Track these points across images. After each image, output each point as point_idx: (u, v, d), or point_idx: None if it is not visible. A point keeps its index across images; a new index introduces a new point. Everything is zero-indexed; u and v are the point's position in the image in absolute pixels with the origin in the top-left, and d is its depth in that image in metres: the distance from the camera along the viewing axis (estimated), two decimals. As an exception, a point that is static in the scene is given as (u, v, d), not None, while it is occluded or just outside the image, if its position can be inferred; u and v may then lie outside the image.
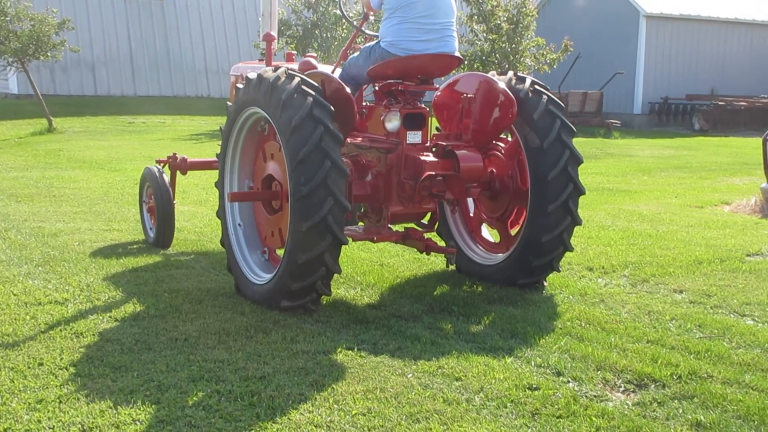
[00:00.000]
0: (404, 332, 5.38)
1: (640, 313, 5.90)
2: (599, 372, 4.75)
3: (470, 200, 7.00)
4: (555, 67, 22.54)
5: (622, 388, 4.56)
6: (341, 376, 4.58)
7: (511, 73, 6.46)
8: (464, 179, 6.09)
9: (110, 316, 5.63)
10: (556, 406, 4.24)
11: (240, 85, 6.05)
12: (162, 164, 8.18)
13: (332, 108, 5.53)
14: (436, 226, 6.79)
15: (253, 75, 5.88)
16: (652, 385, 4.58)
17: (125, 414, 4.07)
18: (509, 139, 6.54)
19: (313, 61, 6.77)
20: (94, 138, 20.10)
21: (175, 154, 8.24)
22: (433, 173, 6.02)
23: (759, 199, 10.85)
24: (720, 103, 28.65)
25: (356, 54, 6.61)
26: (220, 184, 6.39)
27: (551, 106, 6.20)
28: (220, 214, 6.38)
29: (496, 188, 6.49)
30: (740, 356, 4.99)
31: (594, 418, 4.10)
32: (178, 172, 8.24)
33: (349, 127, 6.01)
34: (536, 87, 6.30)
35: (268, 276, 5.90)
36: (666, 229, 9.05)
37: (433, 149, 6.26)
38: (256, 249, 6.30)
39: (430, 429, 3.95)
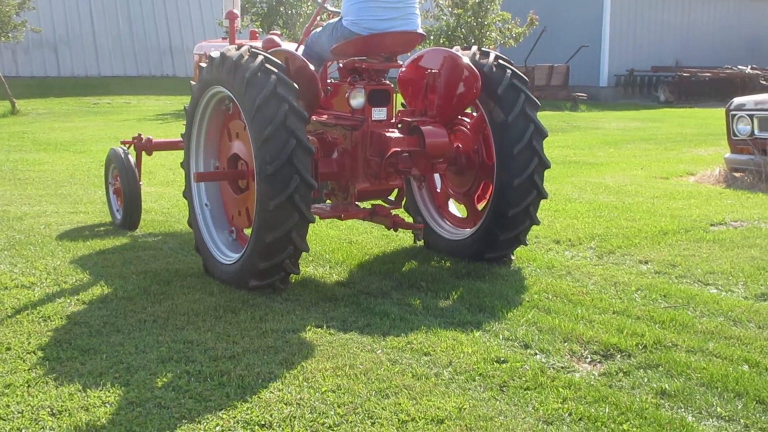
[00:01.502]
0: (373, 309, 5.40)
1: (606, 284, 5.97)
2: (566, 344, 4.80)
3: (437, 176, 7.02)
4: (521, 41, 22.62)
5: (588, 359, 4.61)
6: (310, 354, 4.60)
7: (475, 48, 6.45)
8: (430, 155, 6.09)
9: (78, 299, 5.60)
10: (523, 379, 4.29)
11: (203, 65, 6.00)
12: (127, 145, 8.11)
13: (296, 86, 5.50)
14: (403, 203, 6.80)
15: (216, 54, 5.82)
16: (618, 356, 4.64)
17: (94, 396, 4.06)
18: (474, 114, 6.54)
19: (277, 38, 6.70)
20: (58, 120, 19.89)
21: (140, 134, 8.15)
22: (399, 150, 6.02)
23: (723, 170, 10.99)
24: (685, 74, 28.90)
25: (319, 30, 6.58)
26: (186, 165, 6.34)
27: (515, 81, 6.20)
28: (187, 194, 6.35)
29: (462, 163, 6.51)
30: (704, 325, 5.07)
31: (561, 389, 4.15)
32: (143, 153, 8.16)
33: (314, 105, 6.00)
34: (500, 62, 6.30)
35: (236, 256, 5.89)
36: (632, 201, 9.14)
37: (399, 125, 6.26)
38: (223, 229, 6.28)
39: (400, 404, 3.98)
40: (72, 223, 8.05)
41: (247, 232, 6.01)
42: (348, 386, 4.18)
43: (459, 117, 6.49)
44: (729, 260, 6.58)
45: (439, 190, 7.09)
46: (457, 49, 6.42)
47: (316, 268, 6.40)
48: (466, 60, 6.20)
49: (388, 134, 6.08)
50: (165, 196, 9.59)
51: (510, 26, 22.16)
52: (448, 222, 7.01)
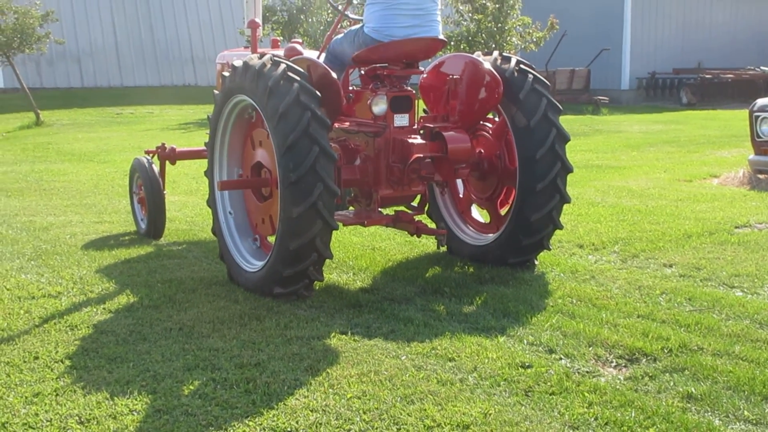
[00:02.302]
0: (397, 315, 5.41)
1: (631, 288, 5.95)
2: (591, 348, 4.79)
3: (459, 181, 7.04)
4: (542, 45, 22.55)
5: (613, 363, 4.60)
6: (335, 361, 4.61)
7: (496, 53, 6.45)
8: (452, 160, 6.10)
9: (104, 308, 5.65)
10: (548, 383, 4.28)
11: (226, 73, 6.03)
12: (151, 155, 8.16)
13: (319, 94, 5.52)
14: (426, 209, 6.82)
15: (239, 63, 5.85)
16: (644, 360, 4.62)
17: (122, 405, 4.10)
18: (497, 119, 6.55)
19: (299, 47, 6.76)
20: (82, 130, 20.05)
21: (163, 144, 8.21)
22: (422, 155, 6.03)
23: (747, 171, 10.91)
24: (707, 76, 28.71)
25: (340, 37, 6.59)
26: (209, 173, 6.38)
27: (537, 85, 6.20)
28: (211, 203, 6.38)
29: (485, 169, 6.52)
30: (730, 328, 5.04)
31: (586, 394, 4.15)
32: (167, 162, 8.21)
33: (336, 112, 6.00)
34: (521, 66, 6.30)
35: (260, 263, 5.91)
36: (655, 204, 9.10)
37: (421, 132, 6.27)
38: (247, 236, 6.31)
39: (425, 410, 3.99)
40: (97, 232, 8.12)
41: (271, 239, 6.03)
42: (373, 392, 4.19)
43: (481, 122, 6.50)
44: (754, 263, 6.54)
45: (461, 196, 7.10)
46: (478, 55, 6.42)
47: (339, 275, 6.42)
48: (487, 65, 6.19)
49: (410, 140, 6.09)
50: (188, 204, 9.65)
51: (530, 31, 22.10)
52: (471, 227, 7.01)
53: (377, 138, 6.19)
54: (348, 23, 7.29)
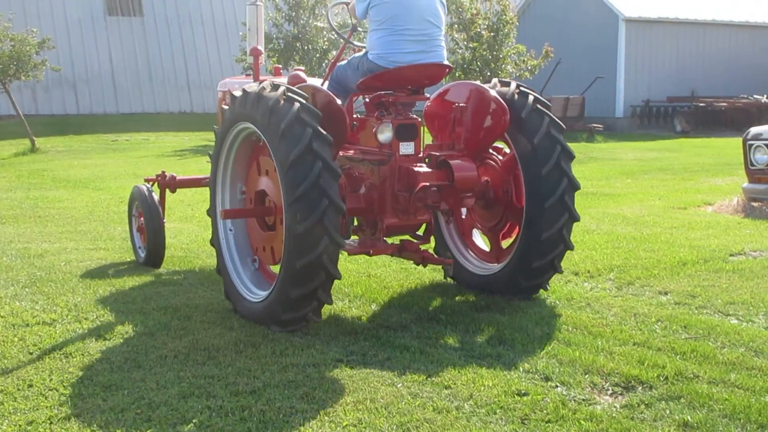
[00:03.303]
0: (393, 342, 5.41)
1: (626, 315, 5.95)
2: (587, 376, 4.79)
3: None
4: (536, 73, 22.71)
5: (609, 391, 4.60)
6: (331, 388, 4.60)
7: (495, 80, 6.42)
8: (459, 189, 6.02)
9: (99, 336, 5.63)
10: (545, 411, 4.28)
11: (225, 106, 6.01)
12: (151, 183, 8.07)
13: (320, 112, 5.48)
14: (431, 238, 6.73)
15: (238, 92, 5.84)
16: (639, 387, 4.62)
17: (117, 433, 4.08)
18: (507, 151, 6.45)
19: (302, 74, 6.71)
20: (77, 157, 20.08)
21: (163, 172, 8.13)
22: (428, 184, 5.95)
23: (741, 199, 10.95)
24: (700, 104, 28.89)
25: (344, 64, 6.58)
26: (212, 210, 6.30)
27: (538, 105, 6.16)
28: (211, 213, 6.30)
29: (490, 197, 6.43)
30: (725, 355, 5.04)
31: (583, 422, 4.14)
32: (167, 190, 8.14)
33: (342, 140, 5.95)
34: (521, 89, 6.27)
35: (265, 293, 5.82)
36: (650, 232, 9.12)
37: (426, 160, 6.22)
38: (246, 256, 6.24)
39: (421, 438, 3.98)
40: (92, 259, 8.11)
41: (274, 269, 5.99)
42: (369, 420, 4.18)
43: (489, 150, 6.44)
44: (749, 290, 6.55)
45: (463, 217, 6.96)
46: (478, 82, 6.41)
47: (335, 302, 6.40)
48: (493, 93, 6.14)
49: (416, 169, 6.02)
50: (184, 231, 9.65)
51: (525, 59, 22.27)
52: (475, 255, 6.87)
53: (382, 166, 6.13)
54: (352, 51, 7.30)
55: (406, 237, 6.57)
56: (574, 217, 6.17)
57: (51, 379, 4.82)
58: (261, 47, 7.47)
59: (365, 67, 6.25)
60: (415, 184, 5.95)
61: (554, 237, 6.08)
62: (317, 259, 5.33)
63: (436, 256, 6.75)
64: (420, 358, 5.10)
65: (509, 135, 6.20)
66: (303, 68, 7.39)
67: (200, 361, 5.09)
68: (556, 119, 6.18)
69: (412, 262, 6.65)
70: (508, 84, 6.34)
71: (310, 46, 24.92)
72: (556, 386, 4.65)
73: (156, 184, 8.06)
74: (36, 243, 8.94)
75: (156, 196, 7.83)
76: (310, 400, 4.44)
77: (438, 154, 6.16)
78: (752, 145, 10.86)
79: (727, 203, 11.13)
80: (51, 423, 4.21)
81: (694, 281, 6.87)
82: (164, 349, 5.32)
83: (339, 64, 6.66)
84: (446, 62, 6.37)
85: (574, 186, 6.14)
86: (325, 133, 5.38)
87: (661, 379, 4.71)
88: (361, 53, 6.48)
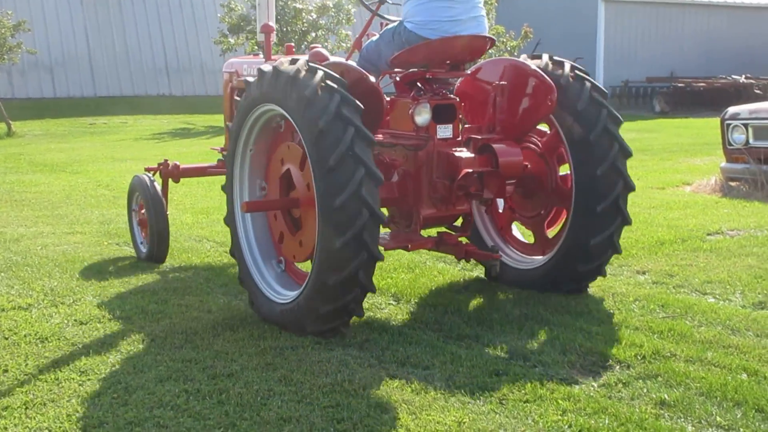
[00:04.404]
0: (371, 324, 5.39)
1: (604, 295, 5.97)
2: (565, 356, 4.79)
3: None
4: (515, 54, 22.67)
5: (587, 371, 4.61)
6: (309, 371, 4.58)
7: (546, 57, 5.84)
8: (504, 175, 5.50)
9: (75, 320, 5.59)
10: (523, 391, 4.28)
11: (251, 79, 5.40)
12: (152, 172, 7.50)
13: (361, 105, 4.88)
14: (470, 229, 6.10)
15: (267, 68, 5.21)
16: (617, 367, 4.63)
17: (93, 417, 4.05)
18: (548, 131, 6.00)
19: (324, 51, 6.13)
20: (54, 141, 19.90)
21: (166, 160, 7.56)
22: (471, 171, 5.41)
23: (719, 179, 11.01)
24: (679, 85, 28.97)
25: (374, 39, 6.03)
26: (228, 189, 5.71)
27: (595, 94, 5.65)
28: (229, 221, 5.73)
29: (531, 185, 5.94)
30: (702, 334, 5.07)
31: (561, 401, 4.15)
32: (170, 180, 7.58)
33: (378, 124, 5.39)
34: (577, 72, 5.74)
35: (291, 294, 5.31)
36: (629, 212, 9.11)
37: (467, 144, 5.65)
38: (270, 258, 5.69)
39: (399, 419, 3.97)
40: (69, 243, 8.03)
41: (300, 266, 5.63)
42: (347, 402, 4.17)
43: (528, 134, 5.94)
44: (726, 269, 6.58)
45: (501, 211, 6.41)
46: (524, 58, 5.86)
47: (313, 285, 6.39)
48: (536, 69, 5.62)
49: (457, 154, 5.48)
50: (162, 215, 9.56)
51: (504, 40, 22.24)
52: (513, 248, 6.38)
53: (418, 152, 5.57)
54: (381, 25, 6.45)
55: (442, 229, 6.01)
56: (626, 221, 5.71)
57: (26, 364, 4.78)
58: (272, 23, 7.04)
59: (402, 39, 5.70)
60: (456, 170, 5.42)
61: (604, 243, 5.66)
62: (352, 275, 4.85)
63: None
64: (398, 339, 5.09)
65: (556, 117, 5.68)
66: (318, 45, 6.63)
67: (177, 345, 5.06)
68: (614, 112, 5.67)
69: (453, 256, 6.19)
70: (561, 65, 5.78)
71: (288, 28, 24.77)
72: (535, 366, 4.65)
73: (158, 173, 7.53)
74: (12, 227, 8.85)
75: (158, 187, 7.31)
76: (288, 383, 4.43)
77: (479, 137, 5.61)
78: (730, 125, 10.90)
79: (705, 183, 11.18)
80: (27, 408, 4.17)
81: (671, 261, 6.90)
82: (141, 333, 5.28)
83: (369, 40, 6.09)
84: (489, 34, 5.81)
85: (629, 187, 5.66)
86: (367, 131, 4.83)
87: (639, 358, 4.72)
88: (393, 25, 5.94)
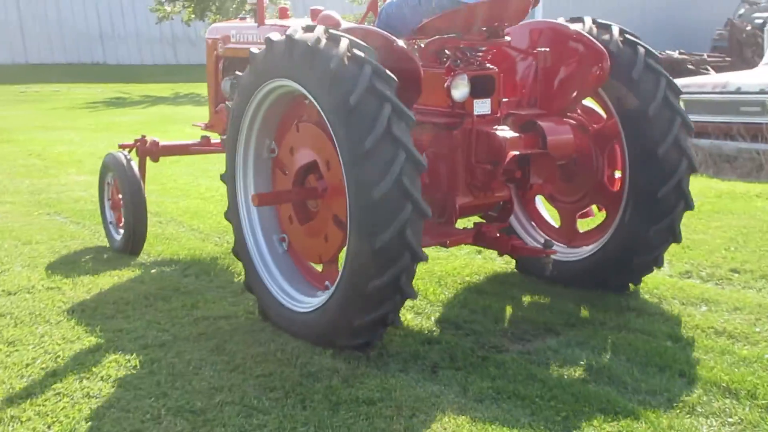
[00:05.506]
0: (306, 294, 5.38)
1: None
2: (497, 324, 4.86)
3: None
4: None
5: (518, 339, 4.67)
6: (242, 340, 4.58)
7: (589, 20, 5.13)
8: (555, 157, 4.83)
9: (3, 290, 5.49)
10: (455, 360, 4.33)
11: (256, 50, 4.66)
12: (128, 149, 6.70)
13: (394, 77, 4.15)
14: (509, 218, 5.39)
15: (277, 37, 4.46)
16: (548, 334, 4.71)
17: (20, 388, 4.00)
18: (600, 113, 5.32)
19: (334, 14, 5.27)
20: (-16, 109, 19.38)
21: (144, 137, 6.79)
22: (518, 153, 4.68)
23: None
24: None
25: (395, 1, 5.27)
26: (229, 179, 4.99)
27: (651, 60, 4.94)
28: (232, 216, 5.00)
29: (572, 168, 5.22)
30: (630, 303, 5.15)
31: (492, 369, 4.20)
32: (148, 159, 6.80)
33: (415, 100, 4.54)
34: (627, 36, 5.02)
35: (312, 301, 4.60)
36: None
37: (506, 121, 4.95)
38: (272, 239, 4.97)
39: (331, 387, 3.98)
40: (-2, 213, 7.87)
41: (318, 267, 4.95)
42: (279, 371, 4.17)
43: (576, 109, 5.24)
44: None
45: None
46: (561, 21, 5.18)
47: (248, 255, 6.36)
48: (582, 33, 4.93)
49: (500, 133, 4.73)
50: (94, 184, 9.39)
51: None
52: (543, 234, 5.68)
53: (453, 131, 4.80)
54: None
55: (477, 219, 5.34)
56: (689, 207, 5.02)
57: (-48, 336, 4.69)
58: None
59: (433, 3, 4.94)
60: (500, 153, 4.67)
61: (665, 231, 5.00)
62: (394, 280, 4.13)
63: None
64: (332, 308, 5.09)
65: (604, 89, 5.00)
66: (321, 8, 5.61)
67: (109, 315, 5.01)
68: (673, 80, 4.96)
69: (495, 251, 5.50)
70: (608, 28, 5.06)
71: (226, -6, 24.43)
72: (467, 335, 4.70)
73: (135, 151, 6.76)
74: (-62, 197, 8.63)
75: (135, 166, 6.53)
76: (220, 352, 4.42)
77: (523, 113, 4.97)
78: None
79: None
80: (-48, 380, 4.10)
81: (603, 231, 7.00)
82: (71, 304, 5.22)
83: (389, 2, 5.32)
84: None
85: (692, 168, 4.96)
86: (405, 108, 4.10)
87: (569, 325, 4.81)
88: None
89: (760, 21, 19.80)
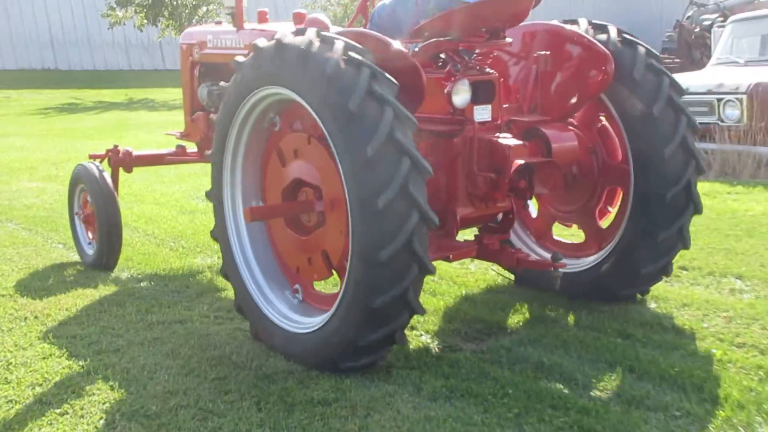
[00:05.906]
0: (261, 297, 5.39)
1: (488, 265, 6.08)
2: (451, 324, 4.91)
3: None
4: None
5: (472, 338, 4.72)
6: (197, 344, 4.57)
7: (584, 21, 4.97)
8: (561, 165, 4.63)
9: (-47, 299, 5.43)
10: (409, 359, 4.36)
11: (240, 59, 4.43)
12: (99, 160, 6.40)
13: (395, 81, 3.96)
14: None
15: (264, 43, 4.25)
16: (501, 333, 4.77)
17: (-28, 396, 3.96)
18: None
19: (324, 18, 5.12)
20: (-68, 116, 19.08)
21: (116, 146, 6.49)
22: (523, 162, 4.47)
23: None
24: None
25: (387, 2, 5.13)
26: (215, 196, 4.70)
27: (652, 60, 4.79)
28: (220, 233, 4.74)
29: (573, 173, 5.03)
30: (580, 301, 5.23)
31: (445, 368, 4.24)
32: (121, 170, 6.53)
33: (418, 105, 4.29)
34: (625, 36, 4.87)
35: (313, 321, 4.34)
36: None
37: (508, 128, 4.77)
38: (280, 286, 4.67)
39: (287, 389, 4.00)
40: (-53, 221, 7.76)
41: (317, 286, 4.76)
42: (234, 374, 4.18)
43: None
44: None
45: (534, 216, 5.58)
46: (557, 23, 5.03)
47: (203, 259, 6.37)
48: (583, 35, 4.79)
49: (503, 141, 4.55)
50: (47, 191, 9.35)
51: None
52: (551, 251, 5.25)
53: (453, 138, 4.60)
54: None
55: (475, 231, 5.11)
56: (698, 210, 4.83)
57: None
58: None
59: (429, 3, 4.82)
60: (504, 162, 4.48)
61: (674, 237, 4.80)
62: (401, 295, 3.92)
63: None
64: (287, 311, 5.10)
65: (609, 98, 4.84)
66: (304, 12, 5.52)
67: (62, 321, 4.98)
68: (675, 80, 4.80)
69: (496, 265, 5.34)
70: (605, 29, 4.90)
71: (179, 1, 24.29)
72: (421, 335, 4.74)
73: (107, 161, 6.48)
74: None
75: (108, 178, 6.24)
76: (175, 356, 4.41)
77: (524, 119, 4.81)
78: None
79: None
80: None
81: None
82: (24, 310, 5.17)
83: (381, 3, 5.15)
84: None
85: (700, 169, 4.80)
86: (407, 112, 3.89)
87: (522, 324, 4.88)
88: None
89: (708, 23, 20.15)
